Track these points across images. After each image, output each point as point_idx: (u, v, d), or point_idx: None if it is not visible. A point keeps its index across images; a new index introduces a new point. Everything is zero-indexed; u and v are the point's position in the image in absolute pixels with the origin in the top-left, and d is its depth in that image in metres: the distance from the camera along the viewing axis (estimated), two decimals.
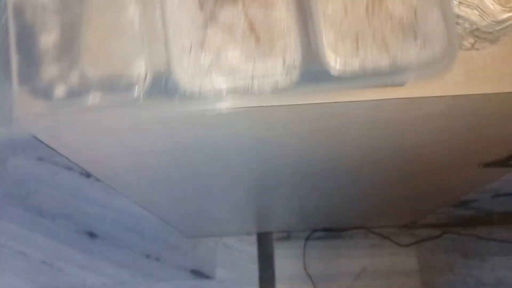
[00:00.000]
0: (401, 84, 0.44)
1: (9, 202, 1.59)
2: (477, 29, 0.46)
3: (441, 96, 0.47)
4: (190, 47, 0.40)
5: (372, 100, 0.45)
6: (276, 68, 0.40)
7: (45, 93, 0.40)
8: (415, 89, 0.45)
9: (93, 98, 0.39)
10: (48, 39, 0.40)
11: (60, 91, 0.40)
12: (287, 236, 1.52)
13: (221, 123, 0.49)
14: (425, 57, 0.41)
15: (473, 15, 0.46)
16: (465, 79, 0.47)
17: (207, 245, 1.52)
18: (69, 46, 0.40)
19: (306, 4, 0.42)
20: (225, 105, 0.40)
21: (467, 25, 0.47)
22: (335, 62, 0.41)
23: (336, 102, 0.45)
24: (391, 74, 0.41)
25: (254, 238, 1.52)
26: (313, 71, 0.41)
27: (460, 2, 0.45)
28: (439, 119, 0.54)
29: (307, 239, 1.50)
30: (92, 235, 1.57)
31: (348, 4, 0.41)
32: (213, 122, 0.47)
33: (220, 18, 0.40)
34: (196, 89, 0.40)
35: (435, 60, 0.41)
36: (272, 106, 0.44)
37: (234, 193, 0.98)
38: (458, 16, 0.46)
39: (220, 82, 0.40)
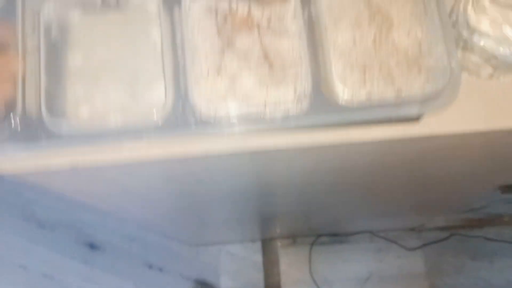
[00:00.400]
0: (413, 118, 0.44)
1: (8, 213, 1.56)
2: (495, 57, 0.44)
3: (457, 134, 0.45)
4: (208, 72, 0.41)
5: (385, 140, 0.45)
6: (288, 96, 0.42)
7: (69, 114, 0.41)
8: (430, 125, 0.45)
9: (115, 121, 0.40)
10: (74, 60, 0.42)
11: (84, 112, 0.41)
12: (292, 242, 1.49)
13: (232, 154, 0.47)
14: (429, 90, 0.42)
15: (490, 44, 0.43)
16: (484, 111, 0.45)
17: (210, 253, 1.49)
18: (93, 67, 0.42)
19: (317, 34, 0.43)
20: (238, 129, 0.41)
21: (485, 54, 0.44)
22: (343, 92, 0.42)
23: (348, 143, 0.45)
24: (396, 106, 0.42)
25: (258, 245, 1.49)
26: (322, 100, 0.42)
27: (476, 31, 0.43)
28: (455, 150, 0.51)
29: (313, 244, 1.48)
30: (92, 246, 1.54)
31: (357, 36, 0.43)
32: (224, 151, 0.46)
33: (237, 45, 0.42)
34: (212, 113, 0.41)
35: (439, 93, 0.42)
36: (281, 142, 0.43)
37: (237, 206, 0.96)
38: (475, 45, 0.44)
39: (235, 108, 0.41)
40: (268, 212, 1.13)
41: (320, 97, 0.41)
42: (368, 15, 0.43)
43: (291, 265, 1.47)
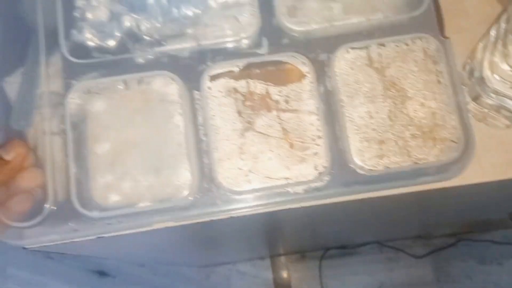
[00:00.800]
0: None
1: (14, 246, 1.56)
2: (510, 112, 0.45)
3: (477, 184, 0.45)
4: (231, 153, 0.42)
5: (407, 192, 0.45)
6: (309, 174, 0.42)
7: (99, 199, 0.42)
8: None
9: (144, 204, 0.41)
10: (100, 147, 0.42)
11: (113, 197, 0.41)
12: (301, 257, 1.49)
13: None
14: (445, 160, 0.43)
15: (505, 99, 0.44)
16: (503, 160, 0.46)
17: (220, 273, 1.49)
18: (119, 152, 0.42)
19: (333, 109, 0.44)
20: (261, 204, 0.43)
21: (500, 108, 0.45)
22: (361, 166, 0.43)
23: (368, 198, 0.45)
24: (413, 177, 0.43)
25: (267, 262, 1.50)
26: (341, 173, 0.43)
27: (491, 87, 0.44)
28: (473, 194, 0.52)
29: (322, 258, 1.48)
30: (102, 273, 1.53)
31: (372, 109, 0.44)
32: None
33: (257, 125, 0.43)
34: (236, 191, 0.42)
35: (453, 163, 0.43)
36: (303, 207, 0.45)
37: (248, 237, 0.96)
38: (489, 99, 0.44)
39: (258, 186, 0.42)
40: (277, 234, 1.13)
41: (340, 170, 0.43)
42: (382, 89, 0.44)
43: (302, 280, 1.48)
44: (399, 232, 1.32)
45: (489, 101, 0.45)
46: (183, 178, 0.42)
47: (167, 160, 0.42)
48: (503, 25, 0.43)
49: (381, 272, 1.46)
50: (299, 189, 0.42)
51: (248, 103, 0.43)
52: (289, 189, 0.42)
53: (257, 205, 0.42)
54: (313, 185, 0.42)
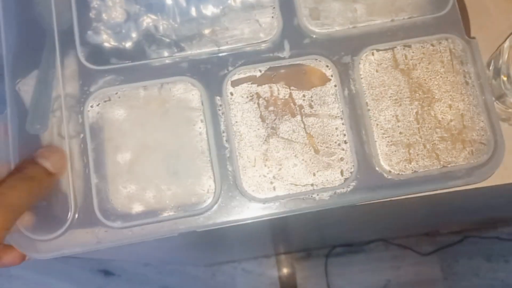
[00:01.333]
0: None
1: None
2: None
3: (502, 185, 0.45)
4: (255, 160, 0.41)
5: (428, 195, 0.45)
6: (335, 180, 0.42)
7: (122, 210, 0.41)
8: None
9: (167, 214, 0.40)
10: (122, 156, 0.41)
11: (136, 207, 0.40)
12: (307, 255, 1.49)
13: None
14: (474, 163, 0.42)
15: None
16: None
17: (226, 272, 1.49)
18: (141, 161, 0.41)
19: (359, 113, 0.43)
20: (285, 212, 0.42)
21: None
22: (389, 170, 0.42)
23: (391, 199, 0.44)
24: (443, 181, 0.42)
25: (273, 260, 1.49)
26: (368, 178, 0.42)
27: None
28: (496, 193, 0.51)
29: (328, 256, 1.47)
30: (107, 272, 1.53)
31: (399, 113, 0.43)
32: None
33: (281, 130, 0.42)
34: (261, 198, 0.41)
35: (483, 165, 0.42)
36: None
37: (256, 238, 0.96)
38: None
39: (283, 193, 0.41)
40: (285, 233, 1.13)
41: (367, 175, 0.42)
42: (409, 91, 0.43)
43: (308, 278, 1.47)
44: (406, 230, 1.31)
45: None
46: (207, 186, 0.41)
47: (190, 168, 0.41)
48: None
49: (388, 270, 1.46)
50: (325, 195, 0.41)
51: (271, 108, 0.42)
52: (315, 196, 0.41)
53: (281, 212, 0.41)
54: (339, 191, 0.41)
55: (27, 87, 0.42)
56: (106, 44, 0.43)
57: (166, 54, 0.43)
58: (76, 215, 0.40)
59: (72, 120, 0.42)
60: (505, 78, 0.43)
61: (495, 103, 0.46)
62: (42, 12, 0.44)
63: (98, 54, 0.43)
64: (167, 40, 0.43)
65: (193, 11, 0.44)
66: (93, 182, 0.40)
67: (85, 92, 0.42)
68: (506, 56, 0.44)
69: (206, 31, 0.43)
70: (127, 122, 0.41)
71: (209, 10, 0.44)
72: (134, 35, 0.43)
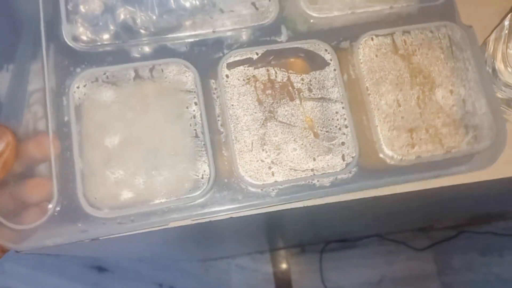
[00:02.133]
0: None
1: None
2: None
3: (505, 178, 0.44)
4: (252, 145, 0.40)
5: (429, 188, 0.44)
6: (336, 165, 0.40)
7: (109, 197, 0.39)
8: (480, 173, 0.44)
9: (159, 201, 0.39)
10: (111, 140, 0.39)
11: (125, 194, 0.38)
12: (301, 250, 1.48)
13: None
14: (478, 148, 0.42)
15: None
16: None
17: (220, 267, 1.48)
18: (131, 145, 0.40)
19: (359, 98, 0.42)
20: (285, 199, 0.40)
21: None
22: (391, 156, 0.41)
23: (393, 193, 0.43)
24: (446, 166, 0.42)
25: (267, 256, 1.49)
26: (370, 164, 0.41)
27: (506, 83, 0.43)
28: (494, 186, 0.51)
29: (322, 252, 1.47)
30: (100, 268, 1.52)
31: (400, 97, 0.42)
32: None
33: (279, 114, 0.41)
34: (259, 184, 0.39)
35: (486, 151, 0.42)
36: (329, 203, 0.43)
37: (250, 232, 0.95)
38: (506, 96, 0.43)
39: (282, 179, 0.40)
40: (279, 228, 1.12)
41: (369, 161, 0.41)
42: (409, 76, 0.42)
43: (302, 274, 1.47)
44: (401, 225, 1.31)
45: (500, 95, 0.44)
46: (201, 172, 0.39)
47: (183, 153, 0.39)
48: None
49: (382, 265, 1.46)
50: (326, 181, 0.40)
51: (268, 91, 0.41)
52: (315, 182, 0.40)
53: (281, 199, 0.40)
54: (340, 176, 0.40)
55: (2, 80, 0.40)
56: (83, 37, 0.41)
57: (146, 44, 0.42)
58: (59, 203, 0.38)
59: (55, 105, 0.40)
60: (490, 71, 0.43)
61: None
62: (18, 5, 0.42)
63: (76, 43, 0.41)
64: (145, 32, 0.42)
65: (171, 3, 0.43)
66: (78, 167, 0.38)
67: (71, 73, 0.40)
68: (491, 49, 0.44)
69: (186, 22, 0.42)
70: (116, 104, 0.40)
71: (188, 1, 0.43)
72: (111, 27, 0.42)
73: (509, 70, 0.42)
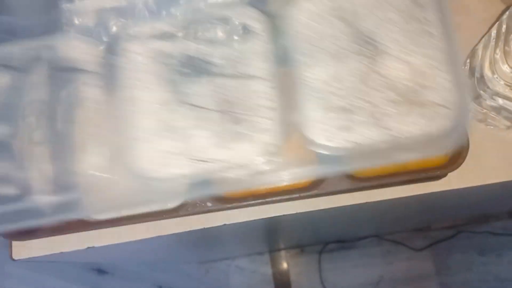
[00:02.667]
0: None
1: None
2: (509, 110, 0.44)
3: (478, 186, 0.44)
4: (153, 130, 0.34)
5: (404, 196, 0.44)
6: (255, 154, 0.34)
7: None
8: (450, 180, 0.44)
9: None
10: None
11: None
12: (300, 251, 1.49)
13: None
14: (433, 131, 0.34)
15: (506, 102, 0.43)
16: (504, 162, 0.45)
17: (219, 269, 1.49)
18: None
19: (290, 75, 0.35)
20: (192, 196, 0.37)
21: (500, 110, 0.44)
22: (323, 144, 0.34)
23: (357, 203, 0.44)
24: (391, 153, 0.34)
25: (266, 257, 1.49)
26: (298, 154, 0.35)
27: (492, 89, 0.42)
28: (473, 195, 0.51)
29: (321, 252, 1.47)
30: (100, 271, 1.52)
31: (340, 72, 0.35)
32: None
33: (188, 94, 0.34)
34: (160, 177, 0.34)
35: (444, 134, 0.34)
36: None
37: (247, 234, 0.96)
38: (490, 101, 0.43)
39: (188, 171, 0.34)
40: (277, 230, 1.13)
41: (296, 149, 0.35)
42: (353, 44, 0.35)
43: (301, 275, 1.47)
44: (399, 225, 1.31)
45: (489, 102, 0.44)
46: (94, 163, 0.34)
47: (76, 140, 0.35)
48: (505, 23, 0.42)
49: (381, 265, 1.46)
50: (243, 173, 0.34)
51: (176, 66, 0.34)
52: (230, 174, 0.34)
53: (187, 196, 0.36)
54: (261, 168, 0.34)
55: None
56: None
57: None
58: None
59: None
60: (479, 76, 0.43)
61: (472, 103, 0.45)
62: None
63: None
64: None
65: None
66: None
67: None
68: (479, 57, 0.44)
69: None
70: None
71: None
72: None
73: (496, 78, 0.42)
